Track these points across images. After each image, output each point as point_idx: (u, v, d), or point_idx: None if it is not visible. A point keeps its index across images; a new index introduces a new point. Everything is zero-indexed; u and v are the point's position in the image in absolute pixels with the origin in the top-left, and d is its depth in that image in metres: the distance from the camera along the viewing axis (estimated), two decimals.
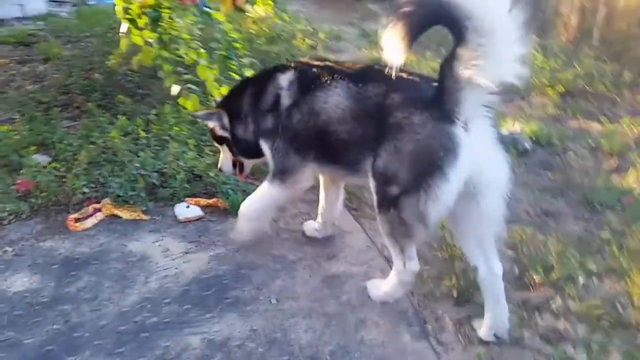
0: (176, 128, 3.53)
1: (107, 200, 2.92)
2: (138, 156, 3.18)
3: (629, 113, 4.93)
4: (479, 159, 1.80)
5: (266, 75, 2.35)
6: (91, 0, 9.12)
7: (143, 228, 2.75)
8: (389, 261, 2.58)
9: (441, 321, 2.20)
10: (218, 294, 2.28)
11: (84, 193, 2.92)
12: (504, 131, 4.19)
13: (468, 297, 2.30)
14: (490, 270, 1.98)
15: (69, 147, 3.31)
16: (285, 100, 2.20)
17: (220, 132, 2.53)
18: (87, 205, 2.86)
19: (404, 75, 1.92)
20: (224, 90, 3.77)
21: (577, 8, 6.91)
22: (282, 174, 2.28)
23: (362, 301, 2.28)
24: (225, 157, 2.65)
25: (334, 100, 2.05)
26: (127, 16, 3.39)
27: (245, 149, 2.50)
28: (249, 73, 3.68)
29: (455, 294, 2.32)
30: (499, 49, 1.63)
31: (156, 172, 3.07)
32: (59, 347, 1.97)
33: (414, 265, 2.06)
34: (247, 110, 2.38)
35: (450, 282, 2.38)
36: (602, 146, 4.06)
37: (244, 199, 2.96)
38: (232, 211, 2.94)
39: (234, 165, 2.67)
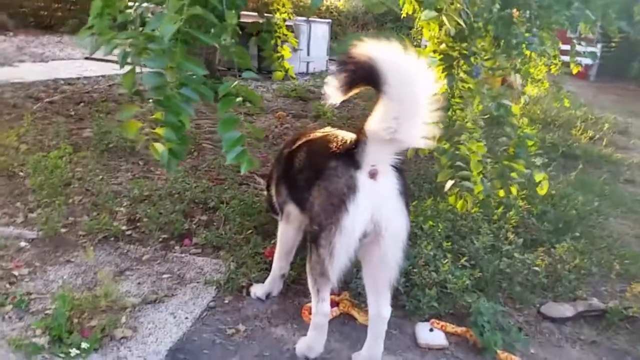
0: (431, 222, 3.13)
1: (346, 294, 2.65)
2: None
3: None
4: (380, 202, 2.01)
5: None
6: None
7: None
8: None
9: None
10: None
11: None
12: None
13: None
14: (379, 311, 2.16)
15: None
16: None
17: None
18: None
19: (340, 135, 2.22)
20: (501, 193, 3.23)
21: None
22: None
23: None
24: None
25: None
26: None
27: None
28: (539, 177, 3.06)
29: None
30: (406, 114, 1.86)
31: (403, 275, 2.68)
32: None
33: (325, 306, 2.17)
34: None
35: None
36: None
37: (503, 341, 2.38)
38: (482, 352, 2.37)
39: None
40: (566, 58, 6.34)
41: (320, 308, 2.18)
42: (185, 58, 1.66)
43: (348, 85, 1.96)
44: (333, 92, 1.98)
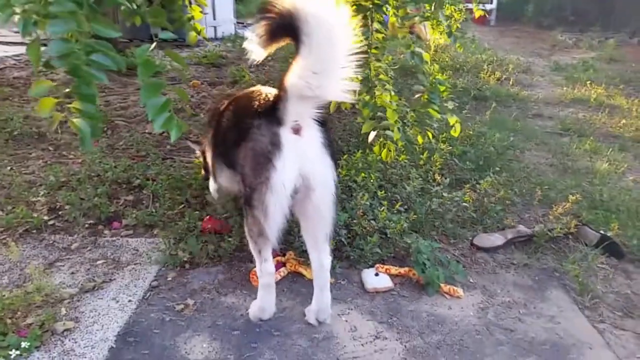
0: (363, 174, 3.19)
1: (291, 253, 2.66)
2: None
3: None
4: (305, 156, 1.99)
5: None
6: None
7: None
8: None
9: None
10: None
11: None
12: None
13: None
14: (320, 262, 2.21)
15: None
16: None
17: None
18: (272, 257, 2.61)
19: (262, 91, 2.19)
20: (420, 139, 3.35)
21: None
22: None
23: None
24: None
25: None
26: None
27: None
28: (452, 120, 3.19)
29: None
30: (327, 67, 1.82)
31: (344, 227, 2.73)
32: None
33: (269, 266, 2.20)
34: None
35: None
36: None
37: (444, 275, 2.52)
38: (426, 287, 2.49)
39: None
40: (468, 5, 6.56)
41: (265, 268, 2.18)
42: (94, 19, 1.52)
43: (268, 38, 1.88)
44: (254, 48, 1.92)
